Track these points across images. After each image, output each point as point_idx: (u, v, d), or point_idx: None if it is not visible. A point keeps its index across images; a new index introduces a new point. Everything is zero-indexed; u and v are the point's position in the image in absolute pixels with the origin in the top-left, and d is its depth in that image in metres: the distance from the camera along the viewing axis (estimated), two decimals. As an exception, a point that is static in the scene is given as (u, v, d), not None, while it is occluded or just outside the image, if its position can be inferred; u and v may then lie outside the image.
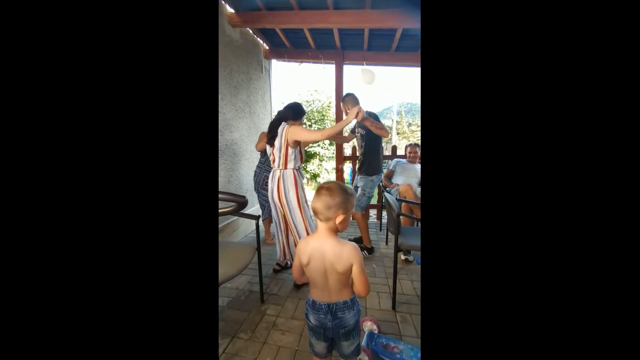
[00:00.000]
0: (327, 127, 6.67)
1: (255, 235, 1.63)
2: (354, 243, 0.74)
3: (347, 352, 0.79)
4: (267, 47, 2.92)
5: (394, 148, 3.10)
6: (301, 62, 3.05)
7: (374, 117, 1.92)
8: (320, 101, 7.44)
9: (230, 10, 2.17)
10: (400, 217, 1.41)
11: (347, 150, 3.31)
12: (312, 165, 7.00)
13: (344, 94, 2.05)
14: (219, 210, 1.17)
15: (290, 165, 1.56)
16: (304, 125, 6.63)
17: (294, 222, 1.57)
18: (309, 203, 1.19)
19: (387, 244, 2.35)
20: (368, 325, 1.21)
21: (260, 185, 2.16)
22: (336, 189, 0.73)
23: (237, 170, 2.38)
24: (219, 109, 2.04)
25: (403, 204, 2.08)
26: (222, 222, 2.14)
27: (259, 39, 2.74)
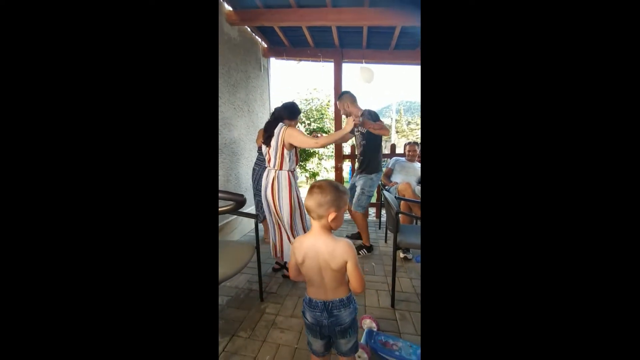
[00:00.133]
0: (325, 125, 6.65)
1: (254, 234, 1.63)
2: (347, 240, 0.74)
3: (344, 349, 0.80)
4: (266, 45, 2.90)
5: (393, 146, 3.10)
6: (300, 60, 3.04)
7: (373, 115, 1.91)
8: (319, 100, 7.43)
9: (228, 8, 2.16)
10: (399, 215, 1.41)
11: (347, 149, 3.31)
12: (312, 164, 7.00)
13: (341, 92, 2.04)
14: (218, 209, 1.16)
15: (286, 166, 1.56)
16: (304, 124, 6.63)
17: (284, 222, 1.58)
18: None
19: (386, 242, 2.35)
20: (367, 323, 1.22)
21: (259, 183, 2.16)
22: (327, 186, 0.73)
23: (235, 170, 2.37)
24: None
25: (402, 202, 2.09)
26: (221, 221, 2.14)
27: (257, 37, 2.73)
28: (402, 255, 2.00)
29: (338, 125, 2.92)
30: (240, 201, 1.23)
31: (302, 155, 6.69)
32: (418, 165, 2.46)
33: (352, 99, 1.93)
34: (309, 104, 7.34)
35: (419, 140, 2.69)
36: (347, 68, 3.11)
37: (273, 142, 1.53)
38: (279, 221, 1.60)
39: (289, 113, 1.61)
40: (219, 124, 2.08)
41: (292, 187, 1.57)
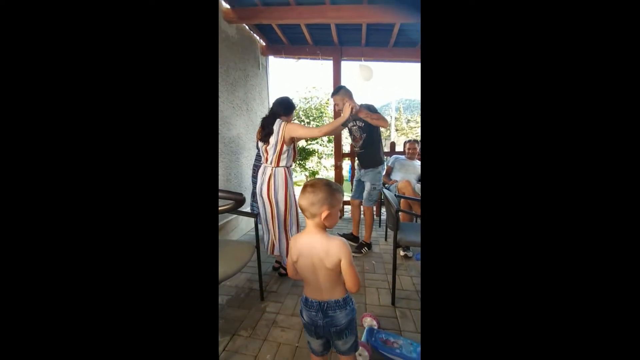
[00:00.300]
0: (324, 124, 6.64)
1: (254, 233, 1.63)
2: (342, 238, 0.73)
3: (342, 349, 0.80)
4: (264, 44, 2.89)
5: (393, 144, 3.10)
6: (298, 58, 3.02)
7: (372, 109, 1.90)
8: (318, 98, 7.41)
9: (226, 6, 2.14)
10: (399, 213, 1.41)
11: (346, 147, 3.30)
12: (311, 163, 6.99)
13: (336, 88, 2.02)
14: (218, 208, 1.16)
15: (283, 163, 1.56)
16: (303, 123, 6.61)
17: (278, 220, 1.58)
18: None
19: (386, 240, 2.36)
20: (367, 321, 1.22)
21: None
22: (319, 185, 0.73)
23: (235, 169, 2.37)
24: (216, 107, 2.02)
25: (402, 200, 2.08)
26: (221, 220, 2.14)
27: (255, 35, 2.71)
28: (402, 253, 2.00)
29: (337, 123, 2.91)
30: (239, 200, 1.23)
31: (302, 154, 6.68)
32: (418, 163, 2.46)
33: (349, 93, 1.92)
34: (308, 102, 7.32)
35: (418, 138, 2.69)
36: (346, 66, 3.10)
37: (272, 140, 1.52)
38: (273, 219, 1.59)
39: (284, 109, 1.60)
40: (219, 123, 2.07)
41: (288, 184, 1.57)
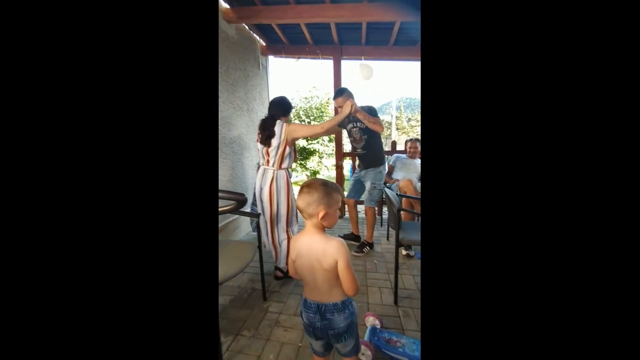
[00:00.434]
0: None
1: (256, 233, 1.63)
2: (340, 239, 0.72)
3: (343, 352, 0.79)
4: (264, 43, 2.89)
5: (394, 143, 3.10)
6: (298, 58, 3.02)
7: (373, 112, 1.90)
8: (318, 98, 7.40)
9: (225, 5, 2.14)
10: (401, 212, 1.41)
11: (347, 146, 3.29)
12: (312, 163, 6.99)
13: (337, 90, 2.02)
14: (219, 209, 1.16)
15: (285, 164, 1.55)
16: (303, 122, 6.61)
17: (279, 222, 1.58)
18: None
19: (388, 239, 2.35)
20: (370, 321, 1.22)
21: None
22: (315, 185, 0.72)
23: (236, 169, 2.37)
24: (217, 107, 2.02)
25: (403, 199, 2.08)
26: (223, 220, 2.14)
27: (255, 35, 2.71)
28: (404, 252, 2.00)
29: (338, 123, 2.91)
30: (241, 200, 1.23)
31: (303, 154, 6.68)
32: (419, 162, 2.45)
33: (352, 96, 1.93)
34: (308, 102, 7.32)
35: (419, 137, 2.68)
36: (347, 65, 3.09)
37: (274, 142, 1.51)
38: (273, 222, 1.58)
39: (283, 109, 1.59)
40: (219, 123, 2.07)
41: (290, 186, 1.57)
